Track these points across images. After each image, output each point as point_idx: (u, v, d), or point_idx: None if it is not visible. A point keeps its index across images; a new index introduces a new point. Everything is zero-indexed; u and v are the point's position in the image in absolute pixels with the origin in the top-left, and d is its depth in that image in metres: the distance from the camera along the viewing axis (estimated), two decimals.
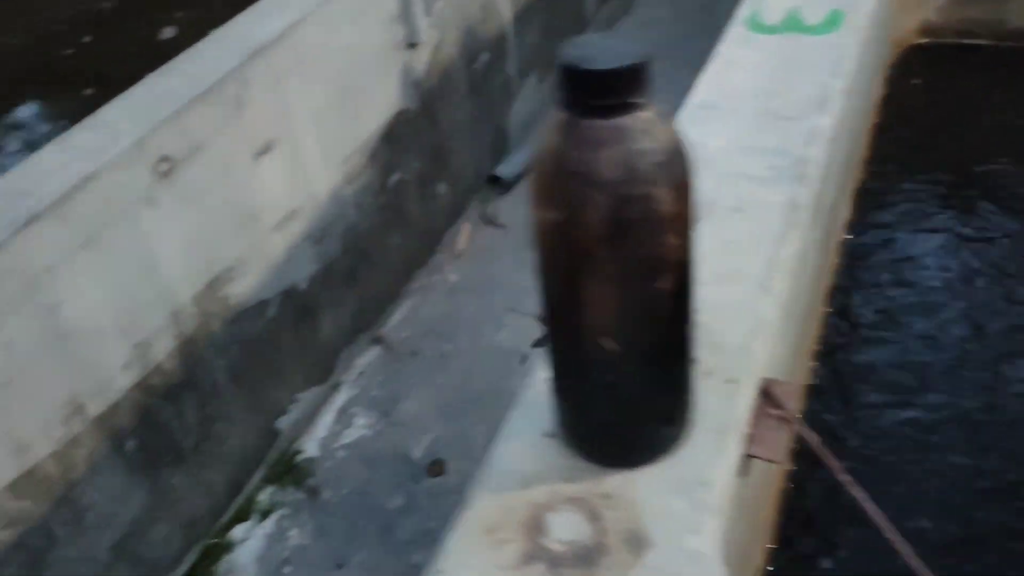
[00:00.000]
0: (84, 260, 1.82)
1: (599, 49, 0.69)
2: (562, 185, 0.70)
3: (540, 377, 0.97)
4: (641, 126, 0.68)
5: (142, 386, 2.01)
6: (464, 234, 3.21)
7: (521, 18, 3.35)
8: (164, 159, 1.96)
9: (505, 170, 3.37)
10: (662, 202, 0.69)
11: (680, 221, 0.71)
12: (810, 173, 1.22)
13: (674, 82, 3.97)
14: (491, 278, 3.06)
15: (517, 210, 3.31)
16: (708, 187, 1.15)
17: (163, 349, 2.06)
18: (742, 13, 1.58)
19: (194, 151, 2.03)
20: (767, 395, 0.93)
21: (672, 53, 4.17)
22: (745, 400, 0.91)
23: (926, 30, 2.78)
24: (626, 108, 0.68)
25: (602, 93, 0.68)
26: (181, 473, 2.16)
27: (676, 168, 0.69)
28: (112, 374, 1.94)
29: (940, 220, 2.58)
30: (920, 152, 2.77)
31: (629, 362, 0.77)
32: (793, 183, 1.19)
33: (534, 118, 3.63)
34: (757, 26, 1.53)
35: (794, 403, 0.92)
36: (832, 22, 1.51)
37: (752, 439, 0.90)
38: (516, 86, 3.44)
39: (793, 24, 1.52)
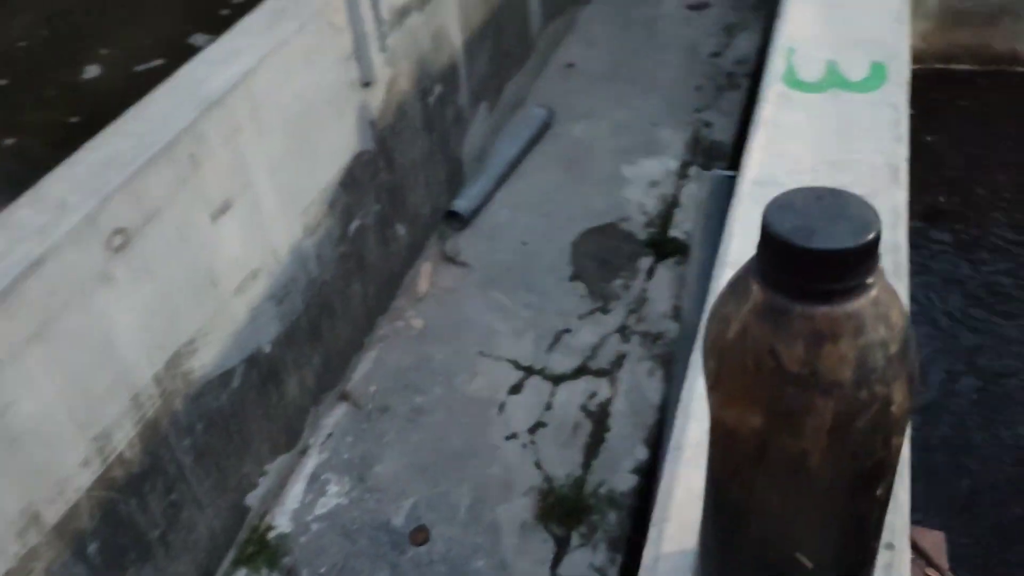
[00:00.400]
0: (34, 353, 1.62)
1: (817, 216, 0.56)
2: (771, 386, 0.56)
3: None
4: (874, 311, 0.55)
5: (103, 481, 1.82)
6: (425, 275, 3.05)
7: (471, 44, 3.21)
8: (118, 232, 1.77)
9: (462, 204, 3.23)
10: (898, 402, 0.56)
11: (908, 417, 0.58)
12: (901, 262, 1.11)
13: (624, 102, 3.88)
14: (458, 321, 2.91)
15: (478, 246, 3.16)
16: None
17: (123, 437, 1.86)
18: (775, 68, 1.47)
19: (149, 219, 1.84)
20: (916, 550, 0.83)
21: (620, 72, 4.12)
22: (905, 566, 0.80)
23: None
24: (857, 290, 0.55)
25: (832, 276, 0.55)
26: (149, 568, 1.96)
27: (910, 357, 0.56)
28: (70, 474, 1.74)
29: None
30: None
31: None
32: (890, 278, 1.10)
33: (486, 148, 3.49)
34: (796, 83, 1.42)
35: (943, 556, 0.82)
36: (877, 76, 1.42)
37: None
38: (468, 116, 3.30)
39: (836, 80, 1.42)
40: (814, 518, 0.61)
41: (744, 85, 3.88)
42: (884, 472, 0.59)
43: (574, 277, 3.07)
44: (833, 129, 1.33)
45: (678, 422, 0.97)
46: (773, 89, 1.41)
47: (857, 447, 0.57)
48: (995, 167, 2.73)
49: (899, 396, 0.56)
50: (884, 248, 1.23)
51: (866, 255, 0.53)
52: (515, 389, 2.71)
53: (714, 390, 0.60)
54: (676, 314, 2.88)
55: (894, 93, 1.39)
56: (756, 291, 0.57)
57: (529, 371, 2.76)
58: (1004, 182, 2.65)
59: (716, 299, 0.62)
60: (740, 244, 1.17)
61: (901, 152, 1.28)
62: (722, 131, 3.67)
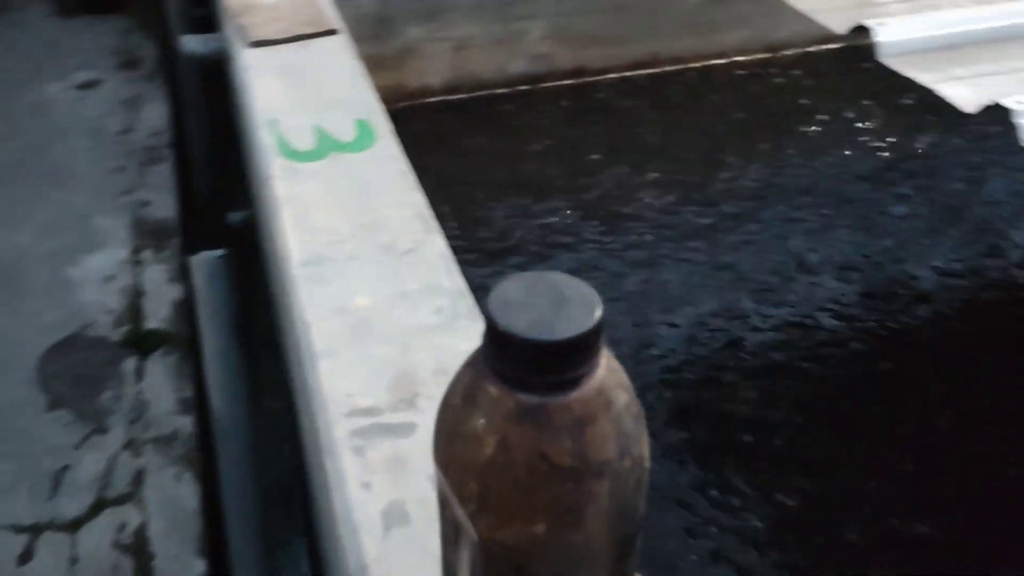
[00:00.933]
0: None
1: (544, 305, 0.54)
2: (549, 489, 0.53)
3: None
4: (614, 379, 0.56)
5: None
6: None
7: None
8: None
9: None
10: (647, 456, 0.58)
11: None
12: (471, 304, 1.16)
13: (42, 199, 3.47)
14: None
15: None
16: None
17: None
18: (264, 141, 1.42)
19: None
20: None
21: (24, 167, 3.66)
22: None
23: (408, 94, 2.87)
24: (597, 364, 0.55)
25: (581, 360, 0.53)
26: None
27: (640, 408, 0.58)
28: None
29: None
30: None
31: None
32: (467, 321, 1.13)
33: None
34: (294, 154, 1.38)
35: None
36: (366, 133, 1.44)
37: None
38: None
39: (330, 144, 1.41)
40: None
41: (169, 157, 3.74)
42: (639, 529, 0.61)
43: (53, 406, 2.69)
44: (351, 192, 1.34)
45: (340, 549, 0.91)
46: (275, 165, 1.37)
47: (627, 514, 0.58)
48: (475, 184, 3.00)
49: (646, 449, 0.58)
50: (451, 295, 1.26)
51: (600, 329, 0.54)
52: (25, 557, 2.28)
53: (483, 514, 0.56)
54: (186, 408, 2.69)
55: (388, 146, 1.44)
56: (502, 397, 0.54)
57: (35, 529, 2.34)
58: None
59: (445, 417, 0.58)
60: (322, 331, 1.12)
61: (420, 200, 1.34)
62: (162, 207, 3.49)
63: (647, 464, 0.58)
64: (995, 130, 2.93)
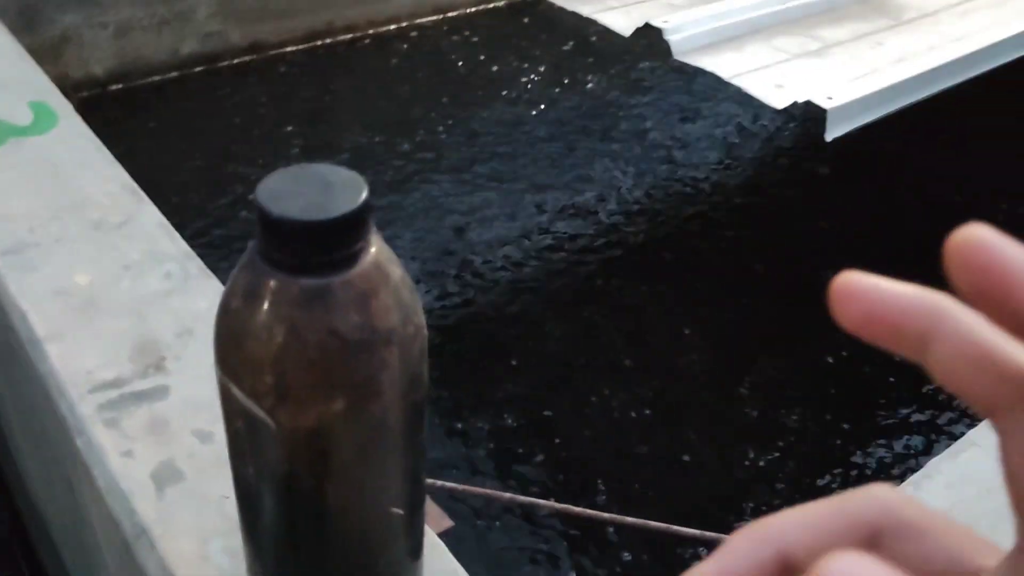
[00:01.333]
0: None
1: (312, 191, 0.55)
2: (344, 365, 0.55)
3: None
4: (386, 252, 0.58)
5: None
6: None
7: None
8: None
9: None
10: (425, 326, 0.61)
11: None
12: (201, 266, 1.12)
13: None
14: None
15: None
16: None
17: None
18: None
19: None
20: None
21: None
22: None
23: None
24: (369, 238, 0.57)
25: (358, 234, 0.55)
26: None
27: (410, 280, 0.61)
28: None
29: None
30: None
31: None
32: (198, 282, 1.10)
33: None
34: None
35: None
36: (46, 115, 1.33)
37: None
38: None
39: (8, 130, 1.28)
40: (393, 475, 0.64)
41: None
42: (425, 400, 0.64)
43: None
44: (44, 175, 1.24)
45: (112, 523, 0.86)
46: None
47: (416, 380, 0.61)
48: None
49: (423, 318, 0.61)
50: (178, 258, 1.23)
51: (369, 206, 0.57)
52: None
53: (282, 405, 0.57)
54: None
55: (74, 124, 1.35)
56: (285, 285, 0.55)
57: None
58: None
59: (227, 322, 0.58)
60: (42, 315, 1.04)
61: (123, 174, 1.27)
62: None
63: (425, 332, 0.62)
64: (647, 49, 3.25)
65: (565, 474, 2.15)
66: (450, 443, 2.14)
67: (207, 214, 2.60)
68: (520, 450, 2.16)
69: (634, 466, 2.19)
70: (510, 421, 2.23)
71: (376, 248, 0.59)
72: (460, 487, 1.00)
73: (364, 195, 0.57)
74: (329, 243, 0.55)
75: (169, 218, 1.22)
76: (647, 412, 2.30)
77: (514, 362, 2.40)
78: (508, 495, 0.96)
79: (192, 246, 1.19)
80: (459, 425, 2.19)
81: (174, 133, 2.78)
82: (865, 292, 0.23)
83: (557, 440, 2.20)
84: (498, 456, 2.15)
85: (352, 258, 0.57)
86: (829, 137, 2.01)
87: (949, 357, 0.22)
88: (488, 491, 0.95)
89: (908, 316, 0.23)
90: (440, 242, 2.70)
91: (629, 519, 1.07)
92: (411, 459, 0.66)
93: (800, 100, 2.01)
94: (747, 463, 2.19)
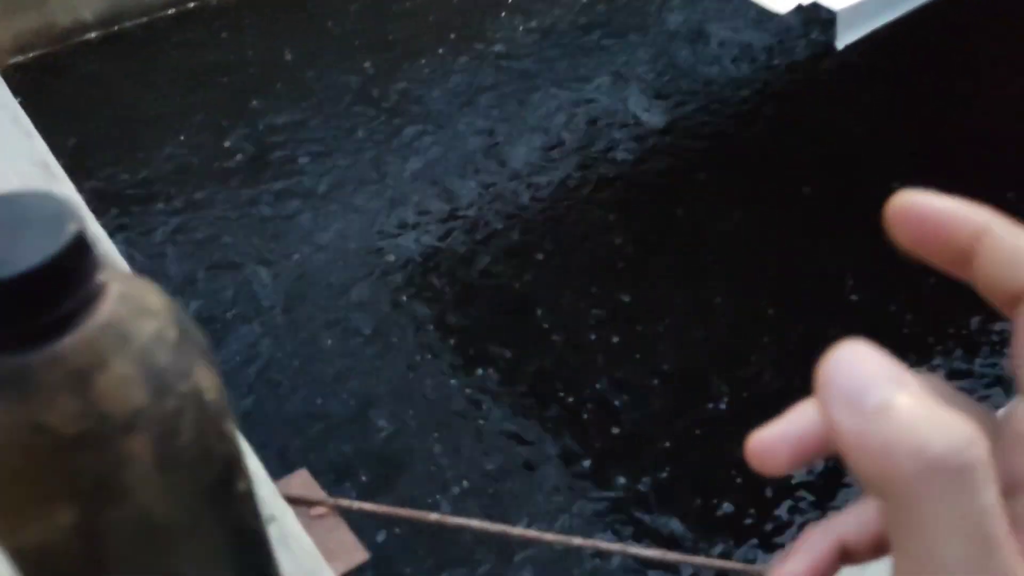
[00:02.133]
0: None
1: None
2: (64, 465, 0.41)
3: None
4: (129, 308, 0.42)
5: None
6: None
7: None
8: None
9: None
10: (208, 386, 0.46)
11: (224, 393, 0.49)
12: (108, 250, 1.00)
13: None
14: None
15: None
16: None
17: None
18: None
19: None
20: (293, 501, 0.76)
21: None
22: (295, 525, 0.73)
23: None
24: (95, 294, 0.42)
25: (62, 294, 0.40)
26: None
27: (193, 331, 0.46)
28: None
29: None
30: None
31: None
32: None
33: None
34: None
35: (317, 488, 0.77)
36: None
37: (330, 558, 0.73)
38: None
39: None
40: (202, 559, 0.50)
41: None
42: (234, 463, 0.50)
43: None
44: None
45: None
46: None
47: (197, 459, 0.46)
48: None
49: (206, 379, 0.46)
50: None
51: (82, 247, 0.41)
52: None
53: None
54: None
55: None
56: None
57: None
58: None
59: None
60: None
61: (40, 147, 1.15)
62: None
63: (213, 394, 0.46)
64: None
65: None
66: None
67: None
68: None
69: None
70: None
71: (112, 299, 0.43)
72: (381, 509, 0.87)
73: (69, 235, 0.41)
74: (17, 309, 0.40)
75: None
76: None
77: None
78: (435, 516, 0.84)
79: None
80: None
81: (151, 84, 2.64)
82: (919, 208, 0.24)
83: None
84: None
85: (62, 324, 0.41)
86: (840, 44, 1.76)
87: (994, 249, 0.24)
88: (413, 512, 0.83)
89: (959, 225, 0.24)
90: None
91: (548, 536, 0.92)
92: (221, 543, 0.52)
93: (805, 2, 1.75)
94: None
